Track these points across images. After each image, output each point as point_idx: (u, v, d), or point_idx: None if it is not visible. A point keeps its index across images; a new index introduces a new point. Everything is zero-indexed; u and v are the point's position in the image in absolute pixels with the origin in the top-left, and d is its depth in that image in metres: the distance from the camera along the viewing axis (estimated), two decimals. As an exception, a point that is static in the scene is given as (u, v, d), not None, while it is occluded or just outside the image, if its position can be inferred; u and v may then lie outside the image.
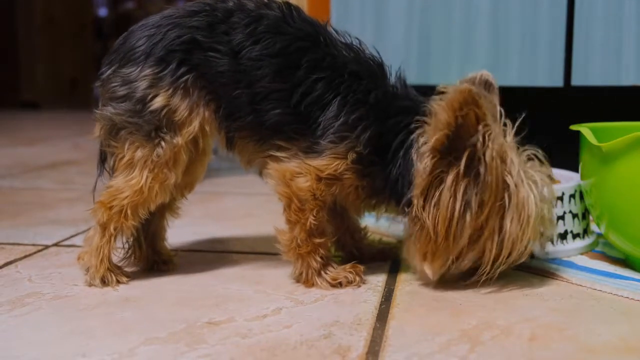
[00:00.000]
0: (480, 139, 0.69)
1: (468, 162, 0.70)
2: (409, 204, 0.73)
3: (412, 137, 0.73)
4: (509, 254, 0.72)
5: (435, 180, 0.71)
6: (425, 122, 0.72)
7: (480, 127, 0.69)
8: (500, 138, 0.71)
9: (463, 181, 0.70)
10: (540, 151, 0.76)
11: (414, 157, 0.72)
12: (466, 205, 0.70)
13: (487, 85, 0.78)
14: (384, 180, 0.75)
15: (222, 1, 0.77)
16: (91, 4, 5.28)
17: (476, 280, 0.74)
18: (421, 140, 0.72)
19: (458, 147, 0.70)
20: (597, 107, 1.12)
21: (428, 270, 0.74)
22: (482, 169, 0.70)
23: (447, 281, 0.75)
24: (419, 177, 0.71)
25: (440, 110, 0.69)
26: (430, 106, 0.72)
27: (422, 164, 0.70)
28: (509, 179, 0.71)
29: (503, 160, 0.71)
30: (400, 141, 0.74)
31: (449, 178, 0.70)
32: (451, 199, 0.70)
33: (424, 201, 0.71)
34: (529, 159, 0.75)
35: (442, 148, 0.70)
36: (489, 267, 0.73)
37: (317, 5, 1.56)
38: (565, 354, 0.58)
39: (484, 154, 0.69)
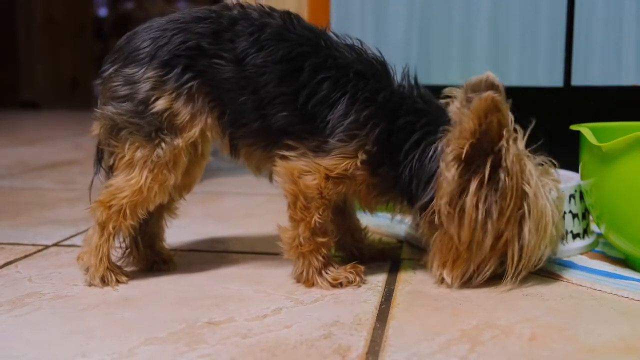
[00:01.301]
0: (505, 144, 0.70)
1: (491, 169, 0.70)
2: (425, 207, 0.74)
3: (429, 139, 0.74)
4: (529, 260, 0.73)
5: (459, 188, 0.71)
6: (449, 131, 0.72)
7: (504, 133, 0.70)
8: (515, 145, 0.72)
9: (485, 188, 0.70)
10: (548, 158, 0.76)
11: (436, 163, 0.72)
12: (487, 212, 0.71)
13: (493, 87, 0.77)
14: (393, 179, 0.75)
15: (227, 9, 0.78)
16: (91, 4, 5.27)
17: (501, 285, 0.74)
18: (448, 148, 0.72)
19: (481, 154, 0.70)
20: (597, 107, 1.12)
21: (447, 277, 0.74)
22: (502, 175, 0.70)
23: (472, 288, 0.75)
24: (445, 185, 0.71)
25: (465, 119, 0.70)
26: (455, 114, 0.73)
27: (450, 173, 0.71)
28: (527, 188, 0.71)
29: (521, 168, 0.71)
30: (414, 142, 0.74)
31: (473, 186, 0.71)
32: (474, 207, 0.70)
33: (448, 209, 0.71)
34: (539, 164, 0.75)
35: (467, 157, 0.70)
36: (511, 273, 0.73)
37: (317, 6, 1.56)
38: (565, 354, 0.58)
39: (505, 160, 0.70)
